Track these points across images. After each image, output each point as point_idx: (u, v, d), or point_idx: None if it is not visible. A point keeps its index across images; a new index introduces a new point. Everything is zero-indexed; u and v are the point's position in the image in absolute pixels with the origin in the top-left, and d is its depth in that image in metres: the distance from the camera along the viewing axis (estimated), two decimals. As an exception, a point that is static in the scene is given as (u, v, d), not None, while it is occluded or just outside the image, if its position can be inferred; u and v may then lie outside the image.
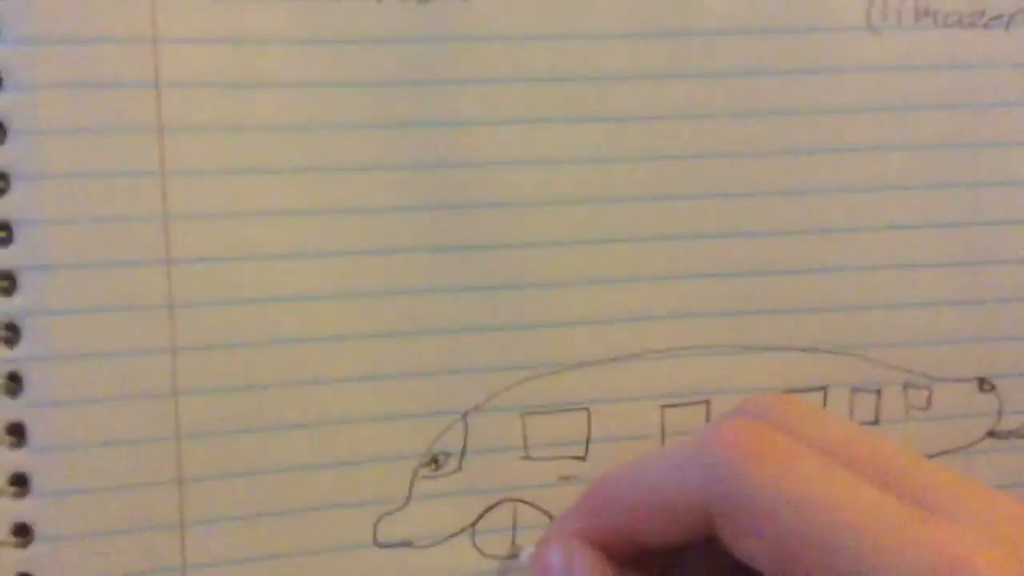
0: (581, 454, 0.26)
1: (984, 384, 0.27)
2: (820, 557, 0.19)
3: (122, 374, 0.24)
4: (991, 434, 0.27)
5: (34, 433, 0.23)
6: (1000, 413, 0.27)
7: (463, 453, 0.25)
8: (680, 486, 0.21)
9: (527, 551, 0.25)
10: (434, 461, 0.25)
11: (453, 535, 0.25)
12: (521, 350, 0.25)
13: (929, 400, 0.27)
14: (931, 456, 0.27)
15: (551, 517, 0.26)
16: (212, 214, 0.24)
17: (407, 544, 0.25)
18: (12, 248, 0.23)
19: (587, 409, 0.26)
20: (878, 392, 0.27)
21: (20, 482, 0.23)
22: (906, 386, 0.27)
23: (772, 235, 0.26)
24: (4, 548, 0.23)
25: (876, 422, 0.27)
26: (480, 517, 0.26)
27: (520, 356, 0.25)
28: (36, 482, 0.23)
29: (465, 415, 0.25)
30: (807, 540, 0.19)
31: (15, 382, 0.23)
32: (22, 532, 0.23)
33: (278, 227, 0.24)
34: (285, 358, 0.24)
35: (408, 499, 0.25)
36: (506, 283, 0.25)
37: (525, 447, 0.26)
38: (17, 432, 0.23)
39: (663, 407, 0.26)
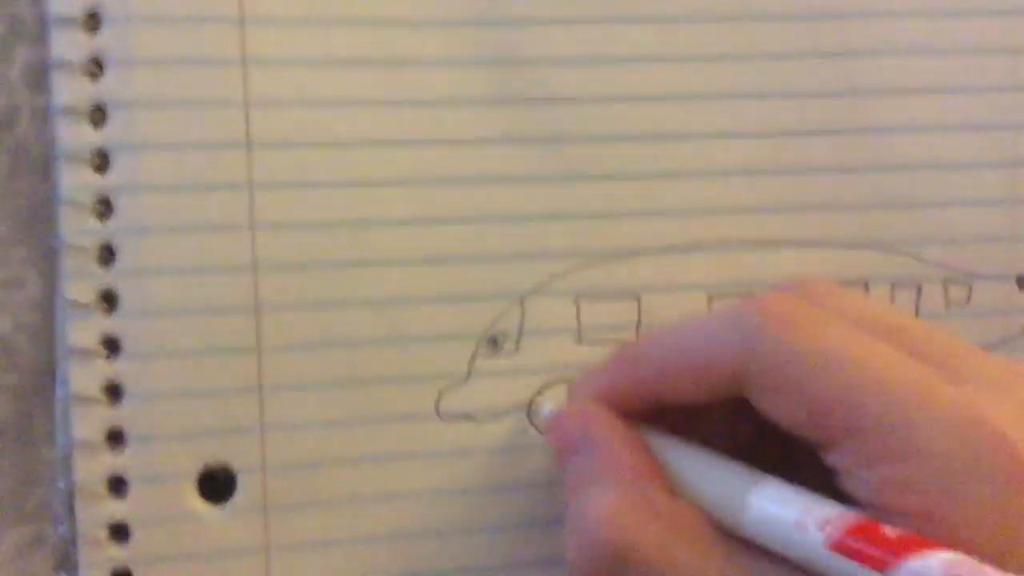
0: (632, 339, 0.27)
1: (1022, 282, 0.28)
2: (846, 412, 0.21)
3: (205, 248, 0.25)
4: (1028, 330, 0.28)
5: (125, 300, 0.25)
6: (1038, 310, 0.28)
7: (520, 334, 0.27)
8: (715, 346, 0.22)
9: (547, 407, 0.26)
10: (493, 341, 0.27)
11: (510, 412, 0.27)
12: (577, 238, 0.27)
13: (969, 296, 0.28)
14: (969, 351, 0.28)
15: (602, 398, 0.27)
16: (290, 100, 0.25)
17: (467, 418, 0.27)
18: (106, 128, 0.25)
19: (638, 297, 0.27)
20: (918, 288, 0.28)
21: (111, 345, 0.25)
22: (946, 282, 0.28)
23: (821, 134, 0.27)
24: (97, 405, 0.25)
25: (916, 316, 0.28)
26: (537, 395, 0.27)
27: (576, 243, 0.27)
28: (126, 345, 0.25)
29: (522, 298, 0.27)
30: (834, 396, 0.21)
31: (109, 253, 0.25)
32: (114, 392, 0.25)
33: (354, 115, 0.26)
34: (357, 239, 0.26)
35: (468, 376, 0.27)
36: (565, 174, 0.27)
37: (578, 331, 0.27)
38: (110, 300, 0.25)
39: (710, 297, 0.27)
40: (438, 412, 0.27)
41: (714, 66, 0.27)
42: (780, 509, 0.21)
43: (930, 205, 0.28)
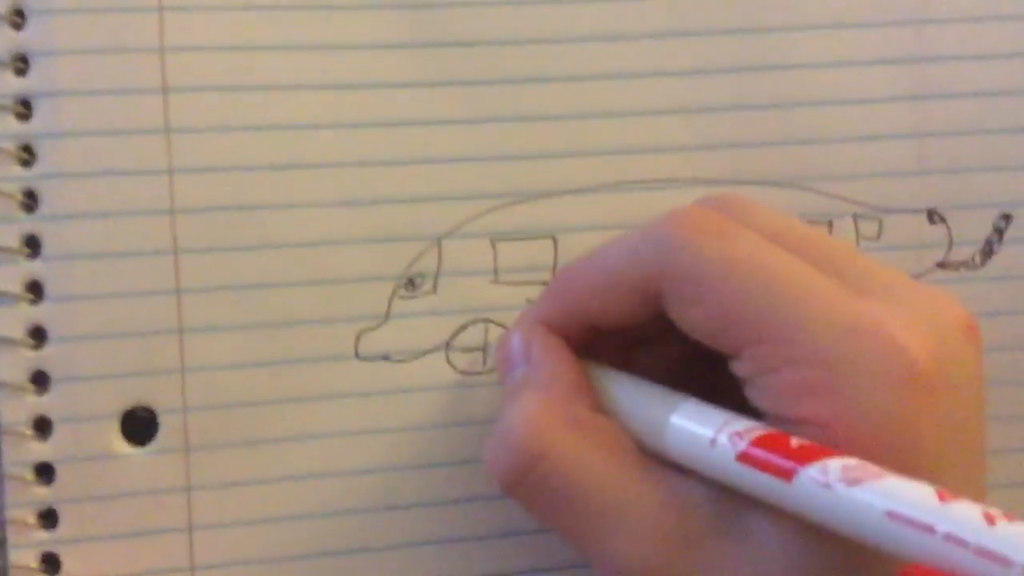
0: (547, 280, 0.28)
1: (933, 216, 0.29)
2: (750, 319, 0.21)
3: (124, 193, 0.26)
4: (941, 265, 0.29)
5: (48, 245, 0.26)
6: (950, 244, 0.29)
7: (437, 275, 0.27)
8: (633, 263, 0.23)
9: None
10: (410, 282, 0.27)
11: (428, 351, 0.27)
12: (492, 179, 0.27)
13: (879, 231, 0.28)
14: (883, 285, 0.28)
15: (520, 337, 0.28)
16: (206, 47, 0.26)
17: (386, 358, 0.27)
18: (28, 77, 0.26)
19: (554, 237, 0.28)
20: (830, 223, 0.28)
21: (35, 289, 0.26)
22: (856, 217, 0.28)
23: (730, 72, 0.28)
24: (21, 348, 0.26)
25: (829, 252, 0.28)
26: (454, 336, 0.28)
27: (492, 185, 0.27)
28: (50, 289, 0.26)
29: (439, 240, 0.27)
30: (744, 304, 0.21)
31: (32, 199, 0.26)
32: (37, 335, 0.26)
33: (271, 59, 0.26)
34: (274, 182, 0.27)
35: (387, 317, 0.27)
36: (481, 117, 0.27)
37: (495, 271, 0.28)
38: (33, 244, 0.26)
39: (625, 237, 0.28)
40: (357, 353, 0.27)
41: (623, 6, 0.28)
42: (697, 427, 0.21)
43: (838, 140, 0.28)
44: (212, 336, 0.26)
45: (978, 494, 0.22)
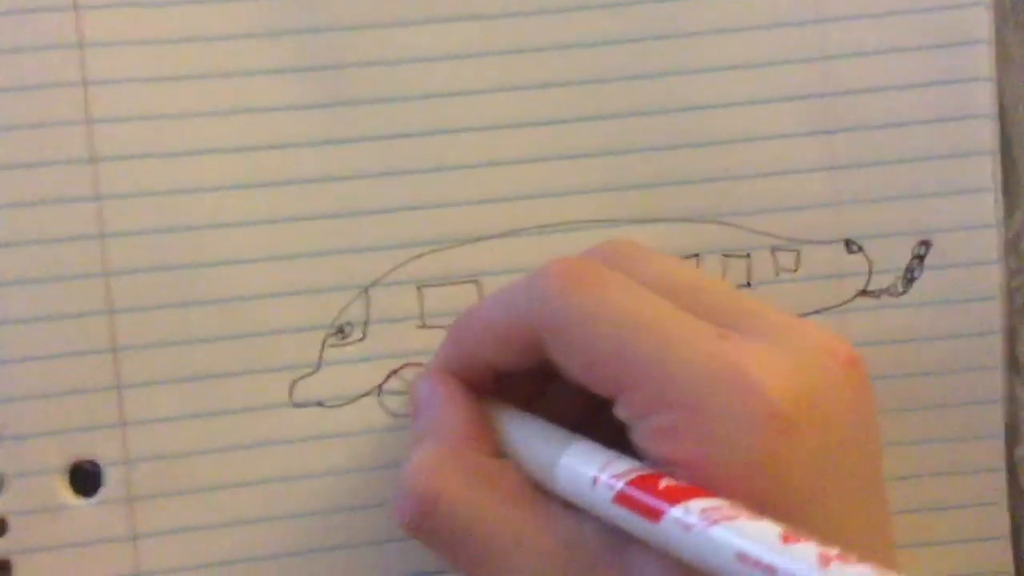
0: (472, 323, 0.29)
1: (851, 245, 0.29)
2: (624, 365, 0.22)
3: (56, 258, 0.27)
4: (863, 293, 0.29)
5: (-10, 310, 0.27)
6: (870, 272, 0.29)
7: (366, 323, 0.28)
8: (514, 311, 0.23)
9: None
10: (340, 331, 0.28)
11: (361, 396, 0.28)
12: (414, 229, 0.28)
13: (798, 262, 0.29)
14: (804, 315, 0.29)
15: (449, 379, 0.28)
16: (130, 116, 0.27)
17: (320, 404, 0.28)
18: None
19: (477, 281, 0.29)
20: (748, 256, 0.29)
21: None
22: (774, 249, 0.29)
23: (643, 115, 0.28)
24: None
25: (748, 284, 0.29)
26: (385, 380, 0.28)
27: (414, 234, 0.28)
28: (-6, 352, 0.27)
29: (367, 289, 0.28)
30: (612, 351, 0.22)
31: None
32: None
33: (187, 125, 0.28)
34: (201, 241, 0.28)
35: (319, 365, 0.28)
36: (398, 169, 0.28)
37: (422, 316, 0.29)
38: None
39: (549, 278, 0.29)
40: (292, 400, 0.28)
41: (533, 56, 0.28)
42: (582, 467, 0.22)
43: (751, 176, 0.29)
44: (150, 390, 0.28)
45: (872, 525, 0.23)
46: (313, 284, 0.28)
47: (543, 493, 0.24)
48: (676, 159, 0.29)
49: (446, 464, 0.24)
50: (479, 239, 0.29)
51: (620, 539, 0.22)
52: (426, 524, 0.23)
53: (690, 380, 0.21)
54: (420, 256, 0.28)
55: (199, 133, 0.28)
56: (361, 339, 0.28)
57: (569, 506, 0.23)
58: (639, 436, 0.22)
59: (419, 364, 0.29)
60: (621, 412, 0.22)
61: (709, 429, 0.21)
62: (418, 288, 0.28)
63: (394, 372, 0.29)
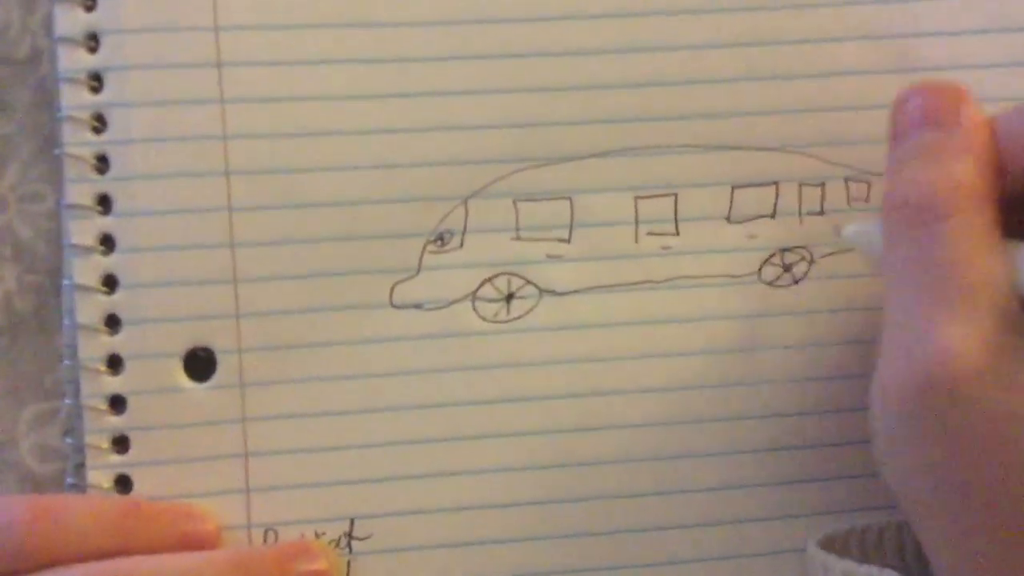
0: (565, 237, 0.31)
1: (918, 179, 0.31)
2: None
3: (184, 156, 0.29)
4: (925, 224, 0.31)
5: (118, 203, 0.29)
6: (934, 206, 0.31)
7: (464, 232, 0.30)
8: None
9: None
10: (440, 238, 0.30)
11: (456, 301, 0.30)
12: (514, 145, 0.30)
13: (868, 193, 0.31)
14: (871, 243, 0.31)
15: (539, 288, 0.31)
16: (258, 25, 0.29)
17: (417, 307, 0.30)
18: (99, 54, 0.29)
19: (569, 199, 0.31)
20: (822, 186, 0.31)
21: (107, 242, 0.29)
22: (847, 180, 0.31)
23: (735, 46, 0.30)
24: (95, 294, 0.29)
25: (822, 212, 0.31)
26: (480, 287, 0.31)
27: (513, 150, 0.30)
28: (120, 241, 0.29)
29: (466, 200, 0.30)
30: None
31: (104, 162, 0.29)
32: (109, 282, 0.29)
33: (313, 37, 0.30)
34: (317, 148, 0.30)
35: (419, 269, 0.30)
36: (504, 87, 0.30)
37: (517, 229, 0.31)
38: (104, 203, 0.29)
39: (636, 198, 0.31)
40: (392, 302, 0.30)
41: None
42: None
43: (830, 109, 0.31)
44: (263, 285, 0.30)
45: None
46: (417, 192, 0.30)
47: None
48: (759, 91, 0.31)
49: (987, 343, 0.19)
50: (574, 158, 0.30)
51: None
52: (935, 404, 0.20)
53: None
54: (518, 172, 0.30)
55: (318, 45, 0.30)
56: (459, 247, 0.30)
57: None
58: None
59: (512, 274, 0.31)
60: None
61: None
62: (514, 202, 0.30)
63: (488, 280, 0.31)
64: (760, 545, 0.31)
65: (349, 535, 0.30)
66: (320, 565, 0.29)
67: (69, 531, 0.26)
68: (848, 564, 0.27)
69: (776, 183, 0.31)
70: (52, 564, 0.26)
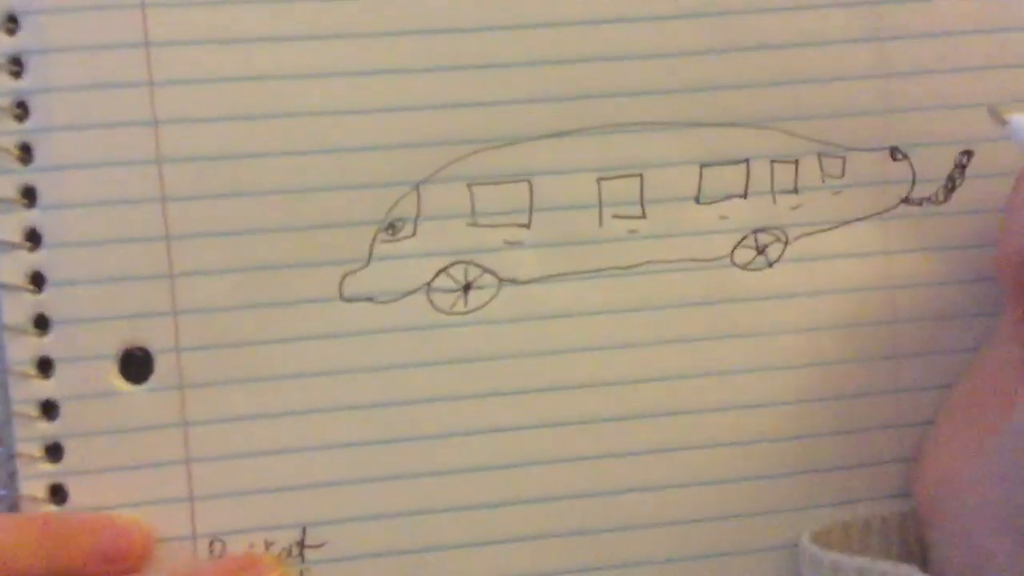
0: (525, 222, 0.29)
1: (896, 153, 0.29)
2: None
3: (112, 145, 0.27)
4: (905, 201, 0.30)
5: (43, 195, 0.27)
6: (913, 181, 0.30)
7: (417, 219, 0.29)
8: None
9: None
10: (391, 226, 0.29)
11: (410, 292, 0.29)
12: (467, 126, 0.28)
13: (843, 168, 0.29)
14: (848, 222, 0.29)
15: (499, 277, 0.29)
16: (189, 2, 0.27)
17: (369, 299, 0.29)
18: (19, 36, 0.27)
19: (528, 181, 0.29)
20: (796, 162, 0.29)
21: (33, 237, 0.27)
22: (821, 156, 0.29)
23: (702, 16, 0.29)
24: (22, 292, 0.27)
25: (795, 190, 0.29)
26: (435, 277, 0.29)
27: (466, 132, 0.28)
28: (47, 236, 0.27)
29: (418, 185, 0.29)
30: None
31: (27, 152, 0.27)
32: (37, 280, 0.27)
33: (249, 13, 0.28)
34: (256, 132, 0.28)
35: (369, 259, 0.29)
36: (452, 64, 0.28)
37: (473, 214, 0.29)
38: (29, 195, 0.27)
39: (599, 179, 0.29)
40: (342, 295, 0.28)
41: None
42: None
43: (801, 81, 0.29)
44: (202, 280, 0.28)
45: None
46: (365, 178, 0.28)
47: None
48: (726, 63, 0.29)
49: None
50: (531, 138, 0.29)
51: None
52: None
53: None
54: (473, 153, 0.29)
55: (255, 21, 0.28)
56: (412, 235, 0.29)
57: None
58: None
59: (469, 262, 0.29)
60: None
61: None
62: (469, 186, 0.29)
63: (443, 269, 0.29)
64: (750, 541, 0.29)
65: (301, 543, 0.28)
66: (272, 576, 0.27)
67: None
68: (836, 557, 0.26)
69: (747, 161, 0.29)
70: None
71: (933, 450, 0.28)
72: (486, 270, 0.29)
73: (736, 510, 0.29)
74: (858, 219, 0.30)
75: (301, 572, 0.28)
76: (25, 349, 0.27)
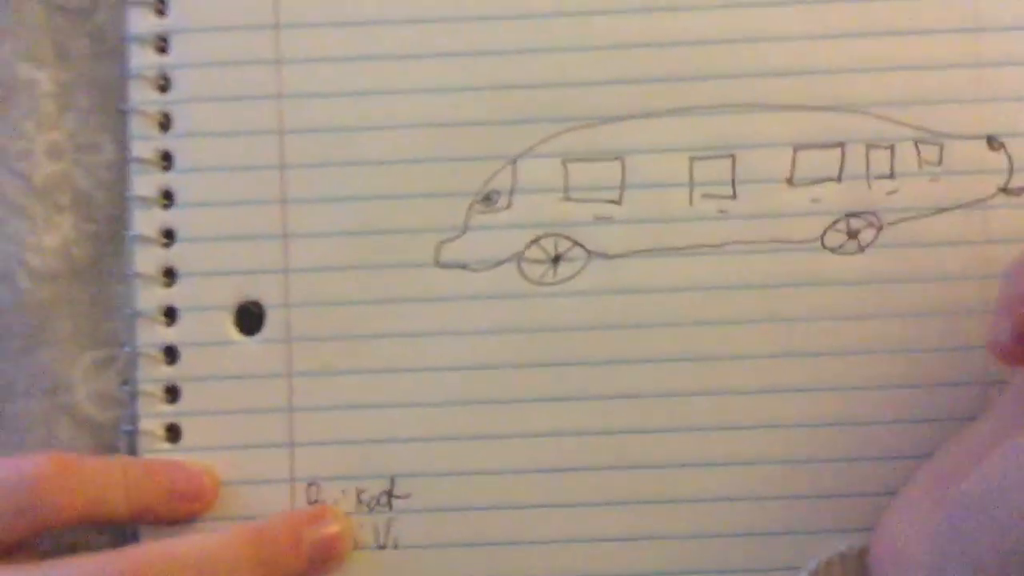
0: (616, 199, 0.30)
1: (993, 142, 0.29)
2: None
3: (241, 116, 0.30)
4: (1003, 190, 0.29)
5: (179, 159, 0.30)
6: (1011, 170, 0.29)
7: (512, 192, 0.30)
8: None
9: None
10: (487, 198, 0.30)
11: (502, 262, 0.30)
12: (564, 104, 0.30)
13: (940, 156, 0.29)
14: (944, 209, 0.29)
15: (588, 251, 0.30)
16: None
17: (463, 267, 0.30)
18: (168, 16, 0.30)
19: (622, 159, 0.30)
20: (891, 148, 0.29)
21: (168, 196, 0.30)
22: (917, 142, 0.29)
23: (792, 3, 0.29)
24: (154, 246, 0.30)
25: (891, 176, 0.29)
26: (526, 248, 0.30)
27: (563, 110, 0.30)
28: (179, 196, 0.30)
29: (515, 160, 0.30)
30: None
31: (167, 120, 0.30)
32: (168, 235, 0.30)
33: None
34: (368, 107, 0.30)
35: (465, 229, 0.30)
36: (550, 44, 0.30)
37: (566, 189, 0.30)
38: (167, 158, 0.30)
39: (691, 159, 0.30)
40: (438, 261, 0.30)
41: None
42: None
43: (899, 68, 0.29)
44: (311, 241, 0.30)
45: None
46: (464, 152, 0.30)
47: None
48: (825, 46, 0.29)
49: None
50: (626, 118, 0.30)
51: None
52: None
53: None
54: (567, 131, 0.30)
55: (372, 5, 0.30)
56: (506, 207, 0.30)
57: None
58: None
59: (560, 235, 0.30)
60: None
61: None
62: (563, 162, 0.30)
63: (535, 241, 0.30)
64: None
65: (390, 493, 0.30)
66: (333, 529, 0.29)
67: (88, 487, 0.27)
68: None
69: (842, 144, 0.29)
70: (68, 522, 0.27)
71: (890, 511, 0.26)
72: (576, 243, 0.30)
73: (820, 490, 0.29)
74: (957, 206, 0.29)
75: (388, 520, 0.30)
76: (154, 297, 0.30)
